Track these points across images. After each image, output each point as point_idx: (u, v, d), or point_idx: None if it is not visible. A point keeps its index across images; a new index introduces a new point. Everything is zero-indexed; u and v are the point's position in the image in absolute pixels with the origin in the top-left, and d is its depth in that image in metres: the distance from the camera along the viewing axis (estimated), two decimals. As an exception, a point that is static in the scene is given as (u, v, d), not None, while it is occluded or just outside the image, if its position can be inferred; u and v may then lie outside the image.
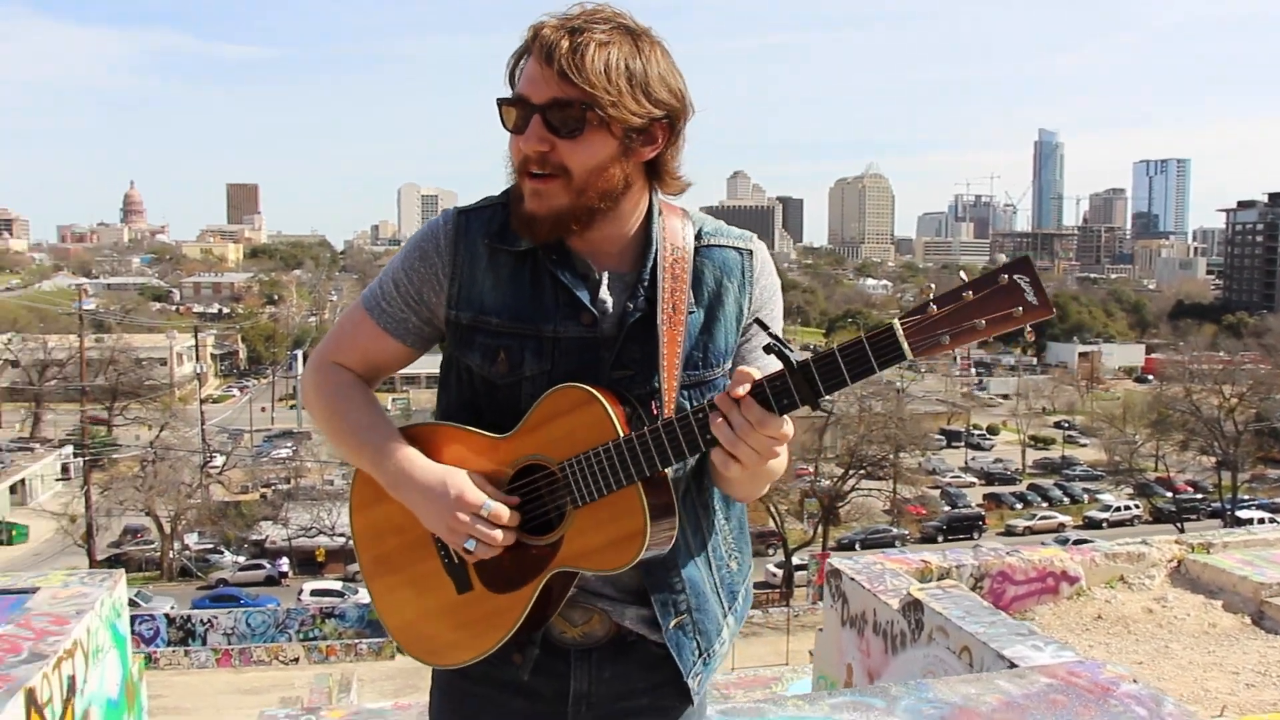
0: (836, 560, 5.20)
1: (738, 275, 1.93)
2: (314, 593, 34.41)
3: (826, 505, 40.11)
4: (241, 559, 40.45)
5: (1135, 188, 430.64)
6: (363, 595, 31.48)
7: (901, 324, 1.57)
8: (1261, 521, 36.22)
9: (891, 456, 43.39)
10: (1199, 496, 49.54)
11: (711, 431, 1.67)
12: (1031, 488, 53.53)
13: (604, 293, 1.87)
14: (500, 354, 1.87)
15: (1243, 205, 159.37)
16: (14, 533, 43.03)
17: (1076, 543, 6.81)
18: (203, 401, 56.99)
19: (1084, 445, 61.75)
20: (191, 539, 41.38)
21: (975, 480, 55.21)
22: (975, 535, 43.57)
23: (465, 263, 1.90)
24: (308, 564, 39.81)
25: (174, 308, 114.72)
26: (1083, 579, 5.37)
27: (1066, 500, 51.49)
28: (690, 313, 1.87)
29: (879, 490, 43.97)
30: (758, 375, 1.66)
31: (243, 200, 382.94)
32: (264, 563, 39.59)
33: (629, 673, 1.95)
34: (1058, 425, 67.52)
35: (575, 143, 1.75)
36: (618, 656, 1.94)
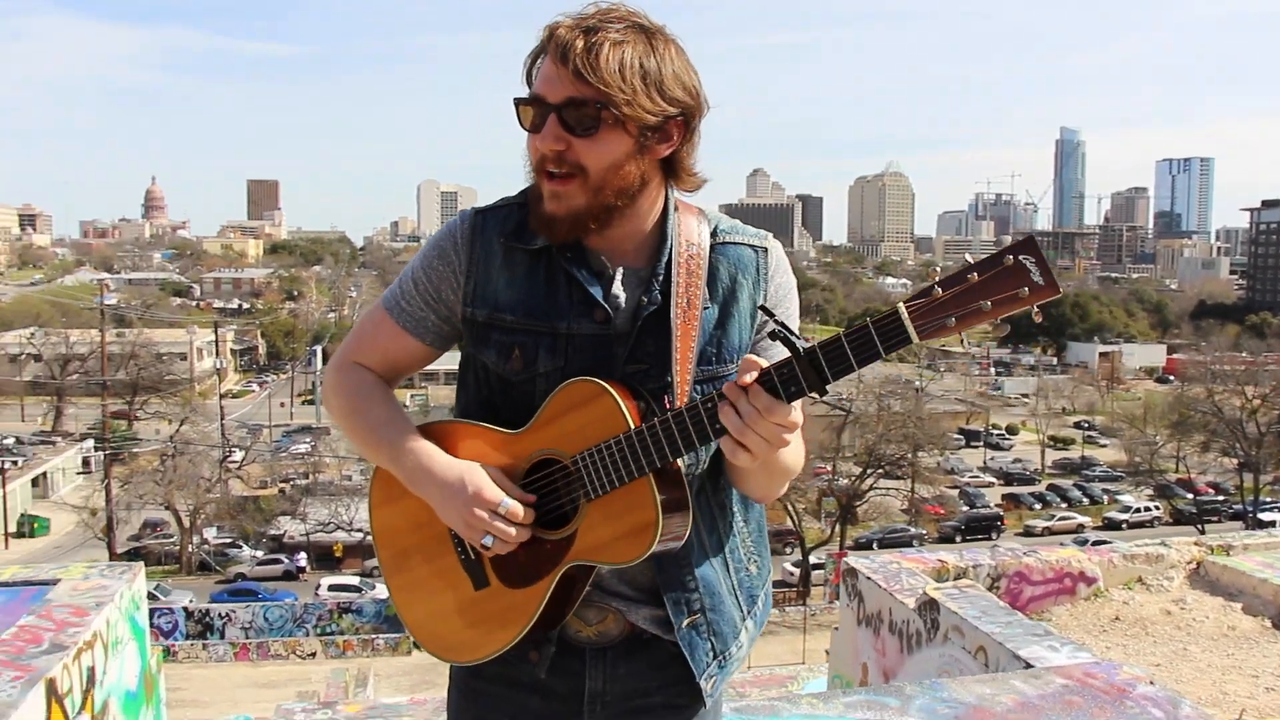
0: (853, 559, 5.19)
1: (752, 272, 1.94)
2: (331, 588, 34.61)
3: (844, 504, 40.03)
4: (260, 554, 40.65)
5: (1158, 186, 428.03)
6: (380, 591, 31.63)
7: (907, 307, 1.57)
8: (1283, 524, 35.94)
9: (910, 456, 43.25)
10: (1220, 498, 49.20)
11: (720, 420, 1.67)
12: (1051, 488, 53.27)
13: (618, 287, 1.88)
14: (515, 351, 1.89)
15: (1267, 205, 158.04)
16: (35, 525, 43.42)
17: (1095, 544, 6.78)
18: (222, 396, 57.38)
19: (1104, 446, 61.41)
20: (210, 533, 41.64)
21: (994, 480, 54.97)
22: (994, 535, 43.39)
23: (481, 260, 1.92)
24: (325, 559, 40.01)
25: (194, 303, 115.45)
26: (1100, 580, 5.34)
27: (1086, 501, 51.22)
28: (705, 308, 1.88)
29: (897, 489, 43.87)
30: (765, 363, 1.66)
31: (263, 196, 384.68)
32: (282, 557, 39.79)
33: (643, 672, 1.95)
34: (1077, 425, 67.17)
35: (591, 141, 1.76)
36: (632, 655, 1.95)
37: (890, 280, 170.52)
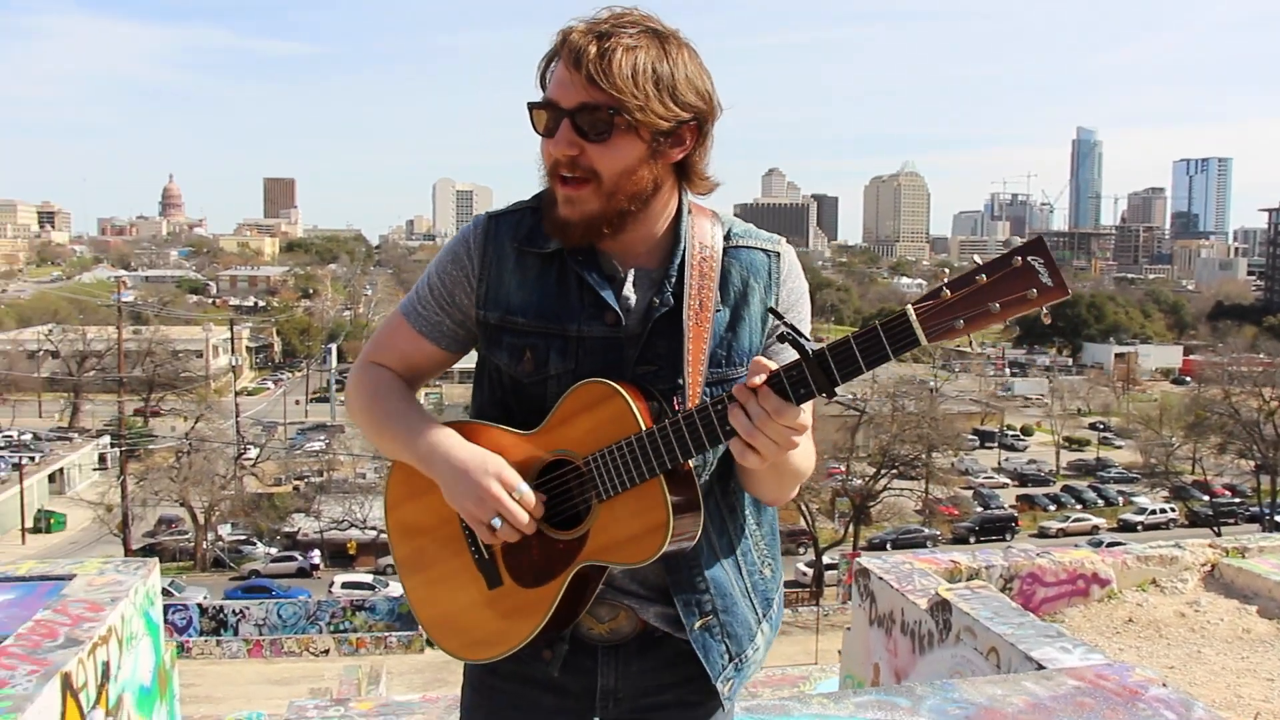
0: (865, 559, 5.18)
1: (764, 276, 1.94)
2: (345, 585, 34.73)
3: (858, 504, 39.95)
4: (274, 551, 40.81)
5: (1175, 187, 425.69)
6: (393, 588, 31.73)
7: (915, 309, 1.57)
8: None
9: (924, 456, 43.16)
10: (1237, 500, 48.90)
11: (730, 422, 1.68)
12: (1065, 489, 53.04)
13: (629, 289, 1.89)
14: (526, 353, 1.90)
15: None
16: (52, 521, 43.69)
17: (1110, 545, 6.75)
18: (238, 394, 57.59)
19: (1119, 447, 61.13)
20: (225, 530, 41.82)
21: (1008, 481, 54.75)
22: (1008, 537, 43.28)
23: (493, 264, 1.94)
24: (339, 557, 40.14)
25: (210, 300, 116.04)
26: (1114, 581, 5.32)
27: (1101, 503, 50.99)
28: (716, 311, 1.89)
29: (911, 490, 43.74)
30: (774, 365, 1.67)
31: (279, 194, 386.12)
32: (296, 555, 39.93)
33: (656, 669, 1.96)
34: (1093, 427, 66.89)
35: (604, 146, 1.77)
36: (645, 653, 1.96)
37: (905, 280, 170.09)
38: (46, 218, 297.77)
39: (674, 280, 1.88)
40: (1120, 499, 51.39)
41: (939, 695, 2.70)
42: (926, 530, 42.80)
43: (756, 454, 1.68)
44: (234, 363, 68.16)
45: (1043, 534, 44.08)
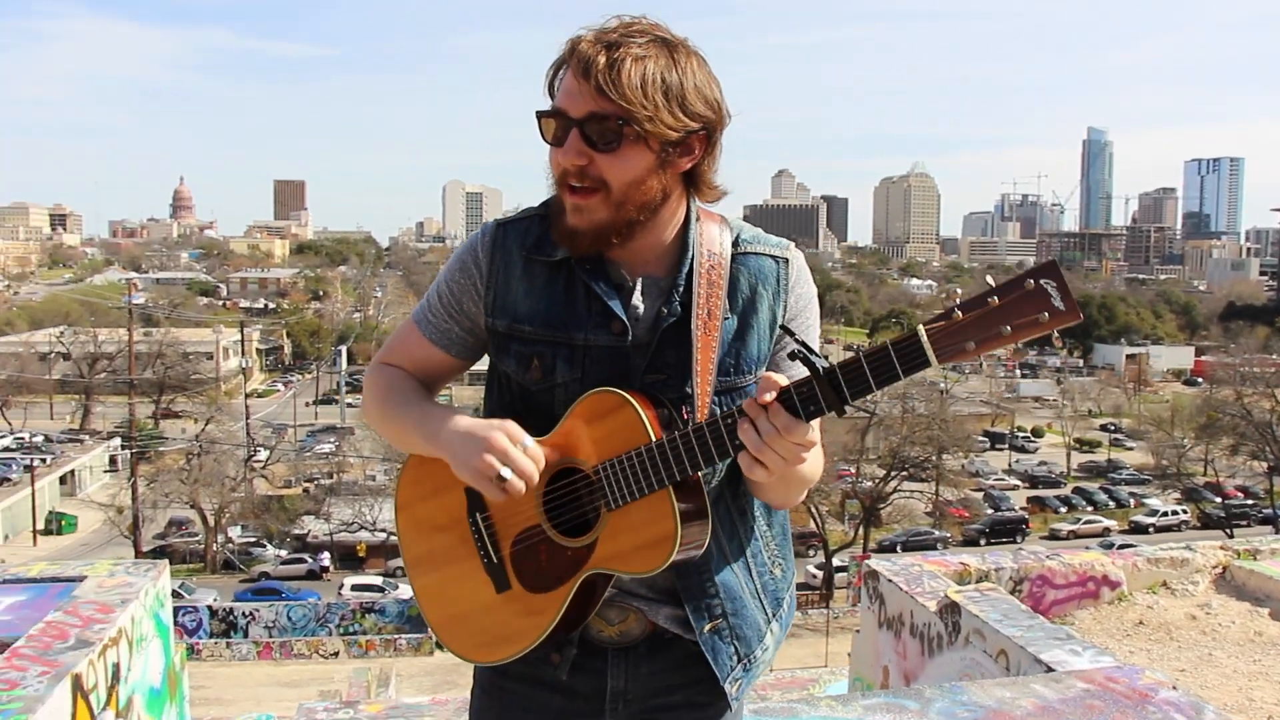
0: (874, 561, 5.17)
1: (772, 283, 1.94)
2: (355, 588, 34.78)
3: (868, 506, 39.88)
4: (284, 553, 40.90)
5: (1186, 187, 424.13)
6: (403, 591, 31.77)
7: (926, 330, 1.57)
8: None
9: (934, 458, 43.04)
10: (1249, 502, 48.67)
11: (739, 437, 1.69)
12: (1076, 491, 52.89)
13: (638, 298, 1.90)
14: (534, 361, 1.91)
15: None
16: (63, 523, 43.87)
17: (1121, 548, 6.72)
18: (248, 396, 57.75)
19: (1130, 449, 60.95)
20: (235, 532, 41.94)
21: (1019, 483, 54.61)
22: (1018, 539, 43.16)
23: (500, 272, 1.94)
24: (349, 559, 40.21)
25: (221, 303, 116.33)
26: (1124, 584, 5.30)
27: (1112, 504, 50.81)
28: (725, 319, 1.89)
29: (921, 492, 43.65)
30: (785, 381, 1.67)
31: (289, 196, 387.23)
32: (306, 557, 40.01)
33: (665, 671, 1.97)
34: (1104, 428, 66.69)
35: (613, 156, 1.77)
36: (654, 654, 1.96)
37: (915, 281, 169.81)
38: (58, 220, 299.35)
39: (682, 289, 1.88)
40: (1132, 501, 51.22)
41: (947, 698, 2.69)
42: (937, 532, 42.72)
43: (765, 469, 1.69)
44: (244, 365, 68.42)
45: (1054, 536, 43.97)
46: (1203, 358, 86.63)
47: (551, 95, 1.83)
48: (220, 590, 34.69)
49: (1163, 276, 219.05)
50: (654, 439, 1.76)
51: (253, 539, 42.05)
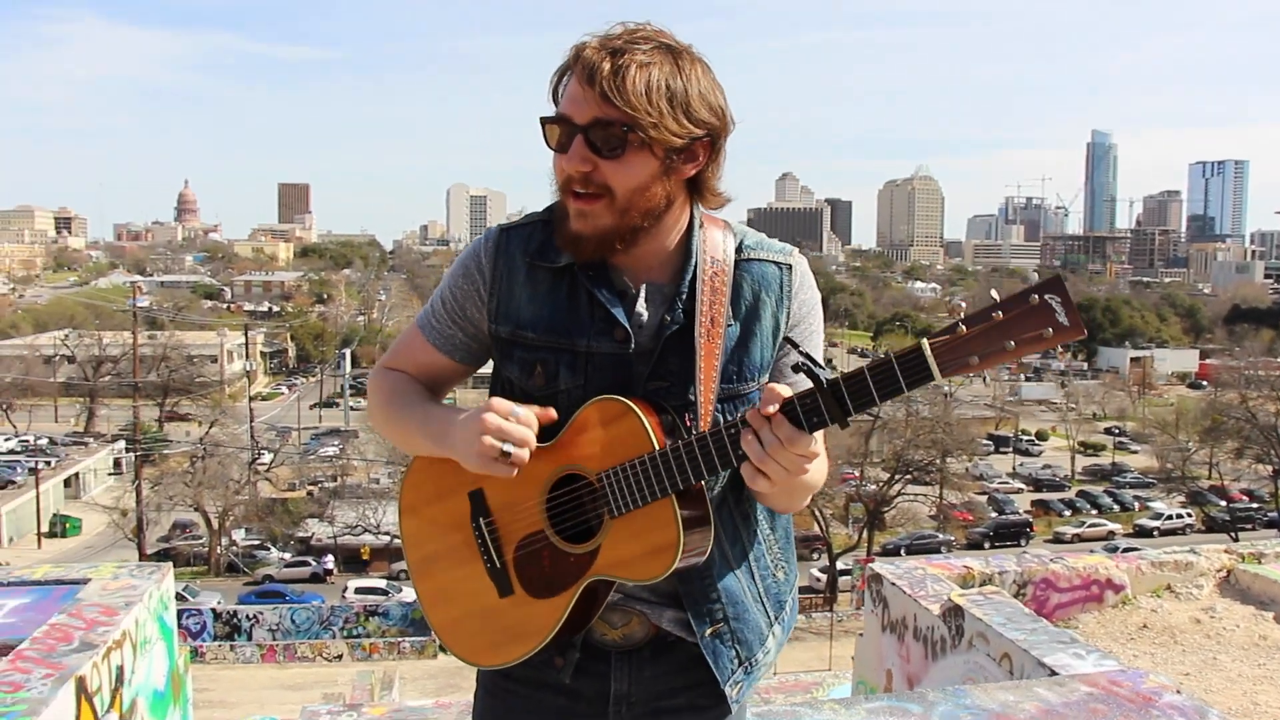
0: (878, 565, 5.17)
1: (775, 290, 1.94)
2: (358, 590, 34.77)
3: (872, 510, 39.83)
4: (287, 556, 40.95)
5: (1191, 190, 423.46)
6: (406, 594, 31.77)
7: (930, 344, 1.58)
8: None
9: (938, 461, 43.02)
10: (1254, 506, 48.60)
11: (742, 447, 1.69)
12: (1081, 494, 52.83)
13: (641, 305, 1.90)
14: (537, 367, 1.91)
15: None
16: (67, 525, 43.93)
17: (1125, 551, 6.71)
18: (252, 399, 57.76)
19: (1135, 452, 60.86)
20: (239, 535, 41.98)
21: (1023, 486, 54.57)
22: (1023, 542, 43.09)
23: (504, 278, 1.95)
24: (353, 562, 40.23)
25: (225, 306, 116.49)
26: (1128, 587, 5.29)
27: (1117, 508, 50.74)
28: (728, 326, 1.89)
29: (925, 495, 43.62)
30: (788, 393, 1.67)
31: (294, 200, 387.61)
32: (309, 560, 40.05)
33: (668, 674, 1.97)
34: (1108, 431, 66.63)
35: (617, 163, 1.77)
36: (657, 657, 1.97)
37: (919, 285, 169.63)
38: (63, 223, 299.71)
39: (685, 296, 1.89)
40: (1136, 504, 51.15)
41: (950, 701, 2.69)
42: (940, 536, 42.65)
43: (767, 479, 1.69)
44: (248, 368, 68.40)
45: (1058, 539, 43.92)
46: (1207, 361, 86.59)
47: (556, 101, 1.83)
48: (224, 593, 34.71)
49: (1167, 279, 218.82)
50: (657, 447, 1.76)
51: (257, 542, 42.10)
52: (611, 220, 1.81)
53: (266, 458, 47.64)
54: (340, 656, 27.95)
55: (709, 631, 1.93)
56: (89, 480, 49.81)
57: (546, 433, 1.88)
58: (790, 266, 1.97)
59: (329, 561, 39.73)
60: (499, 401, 1.81)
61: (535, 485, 1.87)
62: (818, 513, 36.95)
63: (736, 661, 1.96)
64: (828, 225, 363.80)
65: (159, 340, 58.26)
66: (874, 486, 40.93)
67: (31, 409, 61.42)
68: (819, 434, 1.69)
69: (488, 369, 2.12)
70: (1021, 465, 59.30)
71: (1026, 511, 48.81)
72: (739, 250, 1.95)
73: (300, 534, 42.33)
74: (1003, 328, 1.55)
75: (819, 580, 36.99)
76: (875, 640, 5.02)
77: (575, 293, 1.90)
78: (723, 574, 1.94)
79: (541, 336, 1.91)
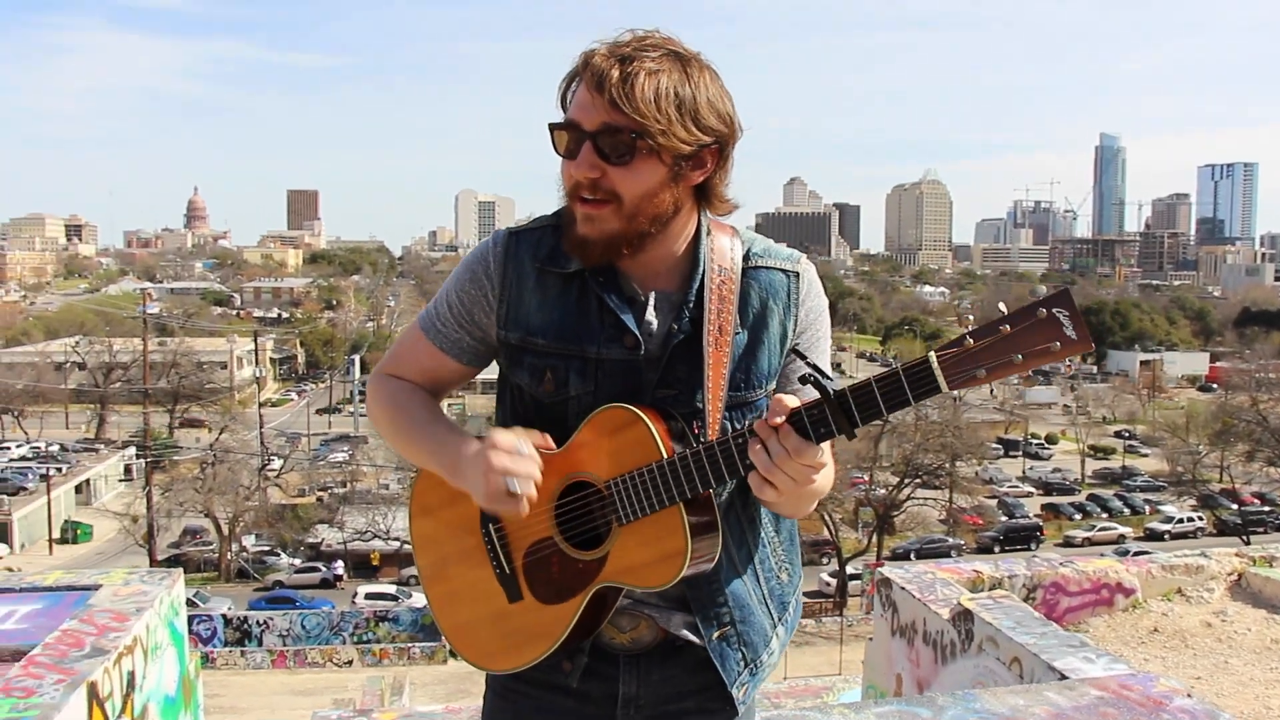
0: (887, 569, 5.16)
1: (783, 298, 1.95)
2: (368, 596, 34.80)
3: (881, 514, 39.77)
4: (298, 561, 41.01)
5: (1200, 192, 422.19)
6: (416, 599, 31.80)
7: (937, 356, 1.58)
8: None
9: (948, 465, 42.94)
10: (1266, 509, 48.39)
11: (750, 457, 1.70)
12: (1091, 498, 52.69)
13: (650, 314, 1.91)
14: (547, 374, 1.92)
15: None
16: (79, 532, 44.08)
17: (1136, 554, 6.69)
18: (261, 405, 57.93)
19: (1145, 455, 60.66)
20: (249, 541, 42.06)
21: (1033, 490, 54.44)
22: (1033, 546, 42.91)
23: (513, 283, 1.95)
24: (363, 567, 40.27)
25: (235, 312, 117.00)
26: (1139, 591, 5.27)
27: (1127, 511, 50.60)
28: (735, 333, 1.90)
29: (935, 500, 43.53)
30: (795, 404, 1.68)
31: (303, 206, 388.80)
32: (319, 565, 40.09)
33: (677, 676, 1.98)
34: (1118, 435, 66.43)
35: (626, 170, 1.78)
36: (666, 661, 1.98)
37: (928, 289, 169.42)
38: (74, 231, 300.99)
39: (693, 304, 1.90)
40: (1147, 508, 50.99)
41: (960, 705, 2.69)
42: (950, 540, 42.55)
43: (774, 489, 1.70)
44: (258, 374, 68.62)
45: (1068, 543, 43.79)
46: (1218, 363, 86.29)
47: (564, 108, 1.84)
48: (234, 599, 34.77)
49: (1177, 282, 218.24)
50: (665, 456, 1.77)
51: (267, 548, 42.16)
52: (618, 225, 1.81)
53: (276, 464, 47.77)
54: (350, 662, 27.95)
55: (716, 635, 1.94)
56: (100, 486, 49.97)
57: (556, 438, 1.89)
58: (798, 274, 1.97)
59: (339, 567, 39.80)
60: (502, 436, 1.81)
61: (544, 492, 1.88)
62: (827, 517, 36.90)
63: (743, 663, 1.97)
64: (836, 230, 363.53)
65: (169, 347, 58.53)
66: (883, 491, 40.88)
67: (43, 416, 61.69)
68: (826, 444, 1.70)
69: (492, 373, 2.12)
70: (1031, 469, 59.19)
71: (1036, 515, 48.66)
72: (746, 258, 1.95)
73: (310, 540, 42.41)
74: (1010, 341, 1.55)
75: (829, 585, 36.91)
76: (885, 644, 5.01)
77: (585, 299, 1.91)
78: (729, 578, 1.95)
79: (552, 343, 1.91)
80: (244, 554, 40.76)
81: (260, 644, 29.12)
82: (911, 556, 38.30)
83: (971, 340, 1.57)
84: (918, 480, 41.52)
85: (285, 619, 29.92)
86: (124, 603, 4.09)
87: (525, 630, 1.91)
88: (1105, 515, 49.87)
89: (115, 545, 40.52)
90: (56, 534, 42.91)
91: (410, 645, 28.74)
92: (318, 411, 69.94)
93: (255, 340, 71.91)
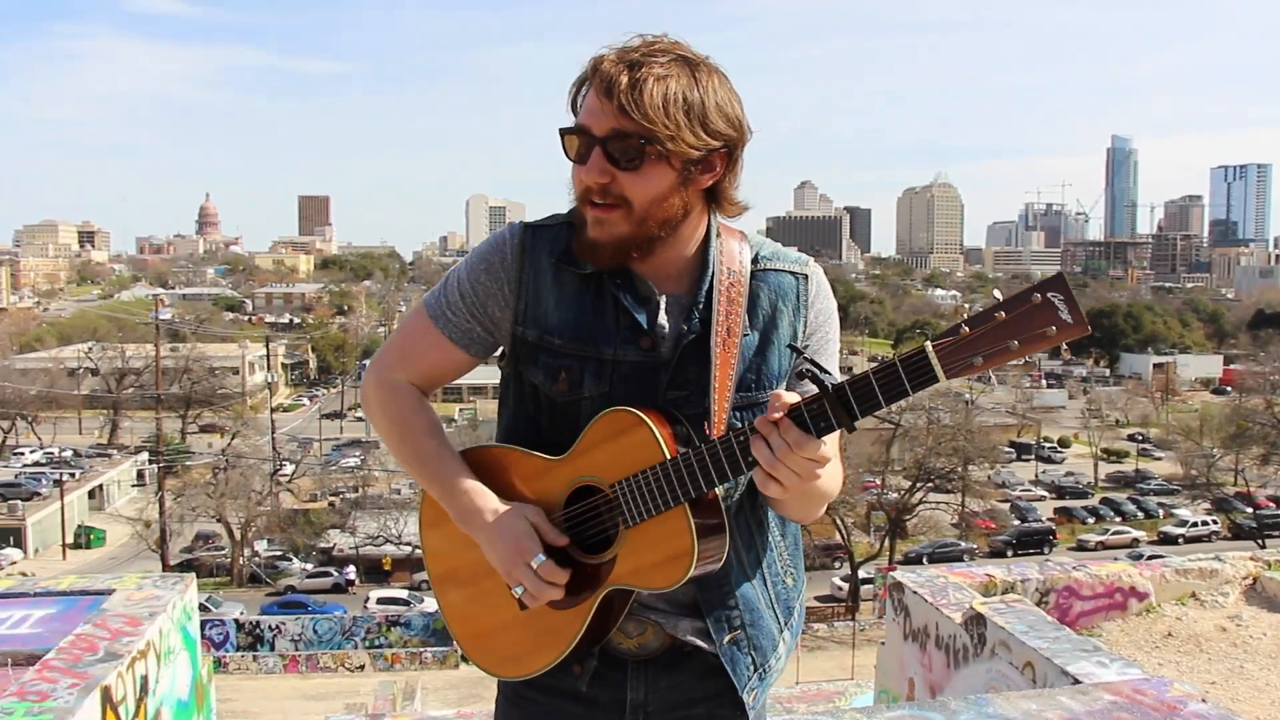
0: (899, 573, 5.15)
1: (792, 299, 1.96)
2: (380, 601, 34.88)
3: (893, 518, 39.69)
4: (309, 566, 41.07)
5: (1213, 194, 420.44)
6: (428, 604, 31.84)
7: (934, 346, 1.58)
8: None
9: (960, 469, 42.83)
10: (1281, 512, 48.16)
11: (752, 453, 1.70)
12: (1104, 502, 52.45)
13: (662, 316, 1.91)
14: (561, 374, 1.92)
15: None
16: (92, 537, 44.25)
17: (1150, 558, 6.65)
18: (273, 410, 58.07)
19: (1159, 459, 60.36)
20: (261, 546, 42.16)
21: (1046, 494, 54.22)
22: (1046, 550, 42.75)
23: (530, 279, 1.95)
24: (374, 572, 40.34)
25: (246, 318, 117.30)
26: (1152, 595, 5.24)
27: (1140, 515, 50.34)
28: (745, 335, 1.91)
29: (947, 503, 43.41)
30: (794, 398, 1.68)
31: (314, 212, 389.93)
32: (331, 570, 40.17)
33: (685, 683, 1.99)
34: (1131, 438, 66.13)
35: (635, 175, 1.79)
36: (674, 667, 1.98)
37: (939, 292, 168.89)
38: (86, 237, 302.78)
39: (702, 306, 1.90)
40: (1160, 511, 50.74)
41: (972, 710, 2.67)
42: (963, 544, 42.41)
43: (779, 484, 1.70)
44: (270, 379, 68.73)
45: (1081, 547, 43.60)
46: (1231, 366, 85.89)
47: (574, 113, 1.85)
48: (247, 604, 34.85)
49: (1190, 285, 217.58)
50: (668, 456, 1.77)
51: (279, 553, 42.26)
52: (628, 229, 1.82)
53: (288, 469, 47.86)
54: (362, 667, 27.98)
55: (727, 639, 1.95)
56: (113, 492, 50.15)
57: (567, 438, 1.90)
58: (806, 276, 1.98)
59: (351, 572, 39.85)
60: (529, 541, 1.86)
61: (552, 497, 1.89)
62: (839, 521, 36.83)
63: (752, 668, 1.98)
64: (847, 233, 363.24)
65: (181, 352, 58.78)
66: (896, 495, 40.79)
67: (56, 421, 61.96)
68: (829, 439, 1.70)
69: (494, 375, 2.12)
70: (1044, 473, 58.94)
71: (1049, 519, 48.46)
72: (755, 261, 1.96)
73: (322, 545, 42.51)
74: (1006, 327, 1.55)
75: (841, 589, 36.82)
76: (897, 649, 5.00)
77: (602, 299, 1.91)
78: (739, 581, 1.96)
79: (568, 343, 1.91)
80: (256, 559, 40.85)
81: (272, 648, 29.19)
82: (924, 560, 38.22)
83: (967, 328, 1.57)
84: (930, 484, 41.42)
85: (297, 624, 29.98)
86: (137, 607, 4.11)
87: (536, 636, 1.92)
88: (1119, 519, 49.66)
89: (128, 550, 40.63)
90: (70, 539, 43.08)
91: (422, 650, 28.76)
92: (328, 416, 70.03)
93: (267, 346, 72.01)
